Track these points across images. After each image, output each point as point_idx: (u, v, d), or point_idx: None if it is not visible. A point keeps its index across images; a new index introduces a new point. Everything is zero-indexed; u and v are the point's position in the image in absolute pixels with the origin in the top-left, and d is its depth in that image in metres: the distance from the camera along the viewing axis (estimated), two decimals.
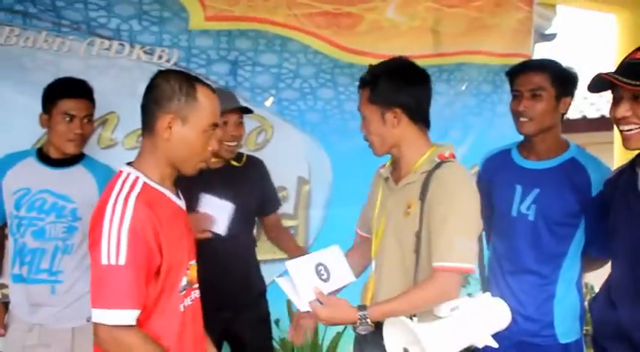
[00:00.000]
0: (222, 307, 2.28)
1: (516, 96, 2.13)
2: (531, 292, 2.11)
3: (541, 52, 4.02)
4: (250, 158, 2.53)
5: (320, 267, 1.80)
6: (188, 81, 1.57)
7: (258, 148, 2.95)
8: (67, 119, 2.22)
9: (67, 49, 2.66)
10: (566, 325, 2.13)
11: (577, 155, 2.13)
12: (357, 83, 3.00)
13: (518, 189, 2.13)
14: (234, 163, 2.44)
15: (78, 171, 2.31)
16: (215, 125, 1.60)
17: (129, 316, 1.45)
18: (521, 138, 2.22)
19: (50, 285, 2.25)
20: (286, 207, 2.62)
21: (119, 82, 2.70)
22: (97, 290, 1.46)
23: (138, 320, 1.49)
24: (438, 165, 1.76)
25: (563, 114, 2.13)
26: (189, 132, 1.54)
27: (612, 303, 1.76)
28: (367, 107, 1.82)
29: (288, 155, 2.89)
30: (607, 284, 1.82)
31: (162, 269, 1.52)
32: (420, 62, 1.88)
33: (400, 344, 1.65)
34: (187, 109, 1.53)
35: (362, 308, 1.70)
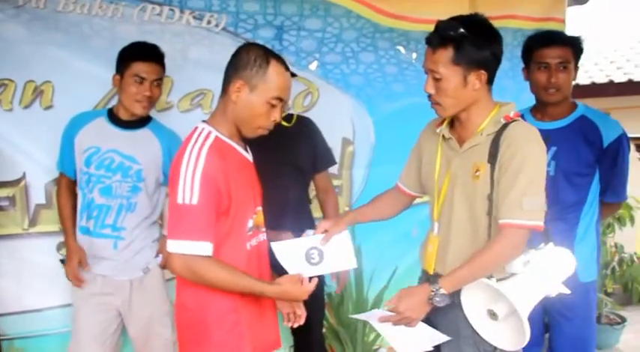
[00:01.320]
0: (276, 264, 2.40)
1: (544, 67, 2.32)
2: (555, 237, 2.22)
3: (574, 15, 4.03)
4: (300, 118, 2.60)
5: (312, 251, 1.87)
6: (265, 55, 1.74)
7: (304, 110, 3.03)
8: (138, 81, 2.32)
9: (120, 15, 2.75)
10: (586, 265, 2.34)
11: (586, 113, 2.40)
12: (398, 46, 3.14)
13: None
14: (285, 124, 2.52)
15: (145, 133, 2.41)
16: (280, 99, 1.74)
17: (200, 247, 1.63)
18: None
19: (113, 241, 2.37)
20: (331, 168, 2.70)
21: (172, 47, 2.76)
22: (173, 224, 1.66)
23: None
24: (504, 126, 1.76)
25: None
26: (254, 99, 1.72)
27: None
28: (448, 68, 1.72)
29: (333, 117, 2.96)
30: None
31: (232, 210, 1.70)
32: None
33: (483, 306, 1.73)
34: (257, 79, 1.71)
35: (433, 282, 1.74)
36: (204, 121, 1.80)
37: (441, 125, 1.93)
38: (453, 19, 1.77)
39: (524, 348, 2.30)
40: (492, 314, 1.73)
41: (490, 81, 1.79)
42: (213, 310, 1.73)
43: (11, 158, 2.65)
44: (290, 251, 1.86)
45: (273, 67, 1.73)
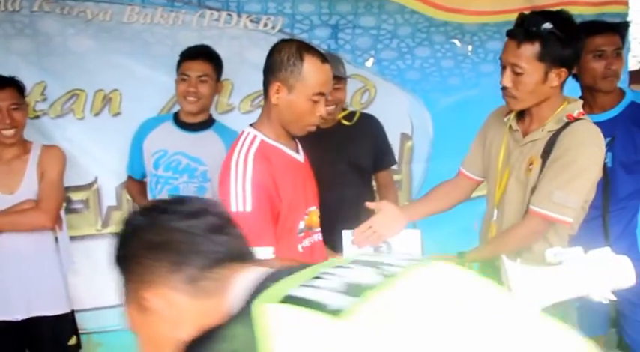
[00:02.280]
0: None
1: (599, 56, 2.29)
2: (615, 227, 2.26)
3: None
4: (363, 116, 2.62)
5: (382, 246, 1.88)
6: (298, 51, 1.71)
7: (363, 107, 3.05)
8: (184, 78, 2.42)
9: (180, 22, 2.85)
10: None
11: (635, 98, 2.37)
12: (453, 39, 3.12)
13: None
14: (346, 122, 2.54)
15: (209, 135, 2.50)
16: (321, 94, 1.71)
17: (263, 252, 1.61)
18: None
19: None
20: None
21: (230, 51, 2.85)
22: None
23: None
24: (566, 124, 1.78)
25: None
26: (294, 99, 1.70)
27: None
28: (532, 64, 1.74)
29: (392, 113, 2.95)
30: None
31: (282, 212, 1.71)
32: (513, 16, 1.87)
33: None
34: (293, 78, 1.69)
35: (461, 254, 1.86)
36: (250, 125, 1.81)
37: (509, 114, 1.95)
38: (538, 13, 1.78)
39: (588, 329, 2.28)
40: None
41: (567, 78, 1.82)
42: None
43: (84, 163, 2.81)
44: None
45: (308, 63, 1.70)
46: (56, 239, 2.48)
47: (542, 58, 1.73)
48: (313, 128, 1.78)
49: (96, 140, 2.80)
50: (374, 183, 2.72)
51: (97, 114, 2.79)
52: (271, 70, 1.73)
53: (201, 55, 2.46)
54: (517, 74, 1.76)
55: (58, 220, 2.47)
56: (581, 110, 1.83)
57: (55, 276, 2.45)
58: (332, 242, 2.04)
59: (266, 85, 1.76)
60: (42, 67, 2.72)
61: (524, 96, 1.79)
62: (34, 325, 2.41)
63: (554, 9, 2.80)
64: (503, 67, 1.81)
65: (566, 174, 1.73)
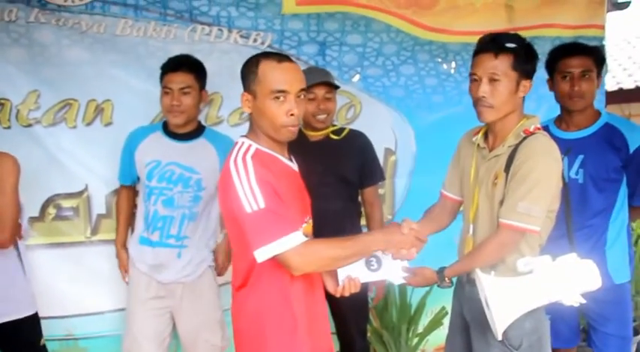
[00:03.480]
0: None
1: (567, 77, 2.43)
2: (584, 244, 2.34)
3: (613, 21, 4.04)
4: (352, 132, 2.70)
5: (372, 259, 1.89)
6: (256, 59, 1.75)
7: (348, 123, 3.15)
8: (167, 92, 2.43)
9: (172, 36, 2.93)
10: (619, 268, 2.47)
11: (610, 120, 2.49)
12: (437, 58, 3.24)
13: (565, 158, 2.35)
14: (334, 137, 2.63)
15: (200, 143, 2.52)
16: (281, 91, 1.69)
17: (292, 239, 1.64)
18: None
19: (177, 250, 2.49)
20: None
21: (221, 65, 2.93)
22: (255, 234, 1.65)
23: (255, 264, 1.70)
24: (523, 139, 1.91)
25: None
26: (259, 104, 1.72)
27: None
28: (508, 73, 1.89)
29: (376, 128, 3.05)
30: None
31: None
32: None
33: (483, 295, 1.84)
34: (254, 84, 1.72)
35: (440, 270, 1.99)
36: (243, 136, 1.83)
37: (477, 135, 2.10)
38: (504, 34, 1.96)
39: (560, 341, 2.43)
40: (487, 304, 1.83)
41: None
42: (272, 317, 1.76)
43: (75, 171, 2.86)
44: None
45: (263, 66, 1.72)
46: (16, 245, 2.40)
47: (515, 68, 1.89)
48: (292, 130, 1.76)
49: (87, 149, 2.85)
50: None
51: (88, 124, 2.85)
52: (242, 84, 1.79)
53: (182, 65, 2.45)
54: (494, 83, 1.90)
55: (17, 232, 2.38)
56: (538, 125, 1.96)
57: (19, 282, 2.38)
58: None
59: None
60: (36, 76, 2.77)
61: (499, 105, 1.91)
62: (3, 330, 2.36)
63: (533, 30, 2.94)
64: (476, 80, 1.95)
65: (526, 185, 1.85)
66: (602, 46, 3.61)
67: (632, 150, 2.43)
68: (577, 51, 2.47)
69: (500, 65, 1.89)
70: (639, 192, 2.48)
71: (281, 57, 1.77)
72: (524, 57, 1.91)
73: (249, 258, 1.74)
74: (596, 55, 2.48)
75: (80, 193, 2.87)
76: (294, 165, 1.90)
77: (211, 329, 2.57)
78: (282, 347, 1.76)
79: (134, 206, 2.70)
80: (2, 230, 2.24)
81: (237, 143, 1.79)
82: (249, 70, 1.75)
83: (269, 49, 3.00)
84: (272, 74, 1.71)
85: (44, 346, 2.54)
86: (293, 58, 1.83)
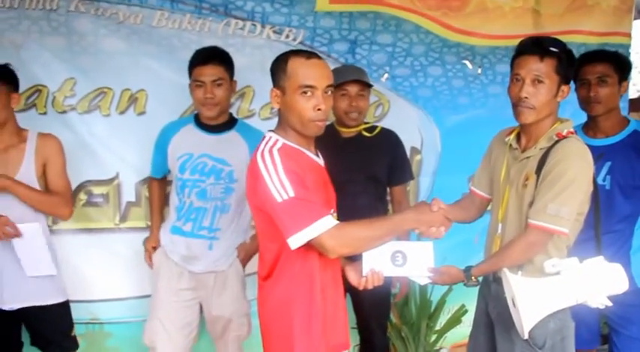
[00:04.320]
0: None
1: (585, 83, 2.48)
2: (609, 248, 2.35)
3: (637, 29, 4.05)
4: (384, 130, 2.74)
5: (397, 254, 1.92)
6: (285, 55, 1.81)
7: (376, 121, 3.18)
8: (199, 85, 2.43)
9: (207, 29, 2.97)
10: None
11: (638, 127, 2.51)
12: (465, 60, 3.27)
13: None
14: (366, 134, 2.67)
15: (232, 136, 2.53)
16: (309, 86, 1.74)
17: (324, 223, 1.68)
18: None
19: (209, 241, 2.50)
20: None
21: (253, 59, 2.99)
22: (288, 221, 1.69)
23: (284, 251, 1.75)
24: (555, 142, 1.95)
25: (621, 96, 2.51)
26: (288, 99, 1.77)
27: None
28: (551, 76, 1.94)
29: (403, 127, 3.06)
30: None
31: None
32: None
33: (510, 295, 1.87)
34: (282, 80, 1.78)
35: (467, 269, 2.01)
36: (271, 131, 1.88)
37: (509, 135, 2.13)
38: (549, 37, 2.01)
39: (579, 343, 2.46)
40: (513, 304, 1.86)
41: None
42: (298, 308, 1.80)
43: (107, 159, 2.92)
44: (377, 250, 1.92)
45: (292, 62, 1.77)
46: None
47: (558, 72, 1.94)
48: (320, 125, 1.80)
49: (120, 137, 2.90)
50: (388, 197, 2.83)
51: (122, 113, 2.90)
52: (272, 80, 1.84)
53: (212, 58, 2.45)
54: (537, 85, 1.94)
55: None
56: (571, 129, 2.00)
57: (49, 268, 2.48)
58: None
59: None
60: (73, 64, 2.83)
61: (541, 107, 1.95)
62: (31, 314, 2.47)
63: (560, 36, 2.97)
64: (519, 80, 1.98)
65: (557, 187, 1.88)
66: (628, 54, 3.64)
67: None
68: (594, 58, 2.52)
69: (545, 68, 1.93)
70: None
71: (310, 54, 1.82)
72: (566, 62, 1.96)
73: (276, 249, 1.80)
74: (615, 61, 2.50)
75: (111, 180, 2.93)
76: (321, 160, 1.94)
77: (240, 320, 2.60)
78: (308, 338, 1.80)
79: (166, 195, 2.75)
80: (67, 204, 2.51)
81: (264, 137, 1.84)
82: (279, 66, 1.80)
83: (301, 46, 3.04)
84: (300, 70, 1.76)
85: (75, 338, 2.62)
86: (323, 56, 1.87)
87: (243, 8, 3.01)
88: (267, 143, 1.80)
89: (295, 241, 1.69)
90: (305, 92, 1.75)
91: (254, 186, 1.76)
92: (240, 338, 2.66)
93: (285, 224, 1.69)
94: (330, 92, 1.81)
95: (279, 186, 1.68)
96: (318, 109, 1.76)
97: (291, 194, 1.67)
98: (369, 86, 2.66)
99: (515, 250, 1.96)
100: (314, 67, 1.78)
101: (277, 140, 1.80)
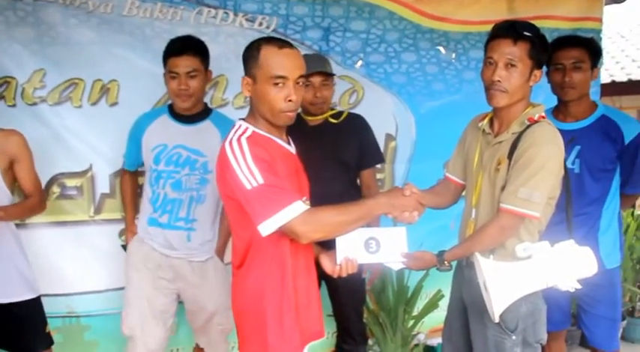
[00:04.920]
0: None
1: (559, 68, 2.50)
2: (579, 230, 2.39)
3: (609, 15, 4.10)
4: (350, 115, 2.75)
5: (371, 241, 1.93)
6: (257, 43, 1.79)
7: (350, 107, 3.20)
8: (173, 76, 2.41)
9: (179, 18, 2.95)
10: (610, 253, 2.57)
11: (606, 112, 2.57)
12: (439, 46, 3.28)
13: None
14: (333, 120, 2.68)
15: (206, 126, 2.52)
16: (279, 77, 1.73)
17: (294, 209, 1.67)
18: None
19: (187, 232, 2.49)
20: None
21: (226, 48, 2.97)
22: (258, 208, 1.68)
23: (255, 239, 1.74)
24: (527, 127, 1.96)
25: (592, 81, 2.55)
26: (259, 88, 1.76)
27: None
28: (524, 60, 1.94)
29: (377, 114, 3.10)
30: None
31: None
32: None
33: (482, 279, 1.90)
34: (254, 69, 1.77)
35: (440, 254, 2.02)
36: (241, 119, 1.87)
37: (482, 120, 2.14)
38: (523, 22, 2.00)
39: (552, 324, 2.53)
40: (485, 288, 1.88)
41: None
42: (270, 297, 1.79)
43: (79, 151, 2.88)
44: (350, 238, 1.93)
45: (264, 51, 1.75)
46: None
47: (531, 56, 1.95)
48: (290, 115, 1.80)
49: (92, 128, 2.86)
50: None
51: (94, 104, 2.86)
52: (244, 67, 1.82)
53: (187, 49, 2.42)
54: (510, 68, 1.95)
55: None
56: (543, 114, 2.02)
57: (19, 264, 2.44)
58: None
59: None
60: (42, 55, 2.77)
61: (513, 90, 1.96)
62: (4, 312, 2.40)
63: (533, 21, 3.00)
64: (492, 64, 1.98)
65: (528, 172, 1.90)
66: (600, 39, 3.68)
67: (627, 141, 2.51)
68: (569, 43, 2.54)
69: (518, 51, 1.94)
70: (631, 181, 2.58)
71: (282, 43, 1.80)
72: (539, 46, 1.97)
73: (247, 237, 1.80)
74: (588, 47, 2.53)
75: (84, 172, 2.90)
76: (292, 148, 1.93)
77: (225, 313, 2.56)
78: (281, 326, 1.80)
79: (138, 187, 2.73)
80: (42, 201, 2.50)
81: (234, 126, 1.83)
82: (251, 54, 1.78)
83: (274, 34, 3.02)
84: (273, 59, 1.74)
85: (49, 334, 2.57)
86: (297, 43, 1.85)
87: None
88: (236, 131, 1.79)
89: (266, 228, 1.69)
90: (276, 83, 1.74)
91: (223, 175, 1.75)
92: (225, 331, 2.66)
93: (255, 211, 1.69)
94: (301, 82, 1.80)
95: (248, 174, 1.68)
96: (289, 100, 1.76)
97: (261, 181, 1.67)
98: (331, 75, 2.66)
99: (487, 234, 1.98)
100: (286, 57, 1.76)
101: (247, 128, 1.79)
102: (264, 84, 1.75)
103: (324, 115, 2.69)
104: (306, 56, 2.65)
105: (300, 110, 2.66)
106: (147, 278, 2.55)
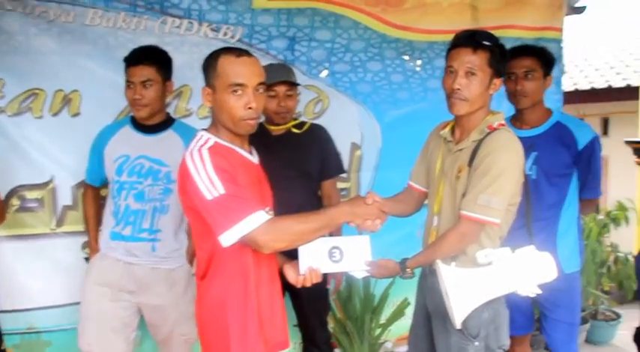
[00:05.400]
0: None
1: (511, 77, 2.56)
2: (539, 235, 2.42)
3: (570, 24, 4.19)
4: (313, 126, 2.75)
5: (334, 250, 1.93)
6: (215, 53, 1.80)
7: (315, 117, 3.20)
8: (130, 85, 2.41)
9: (142, 27, 2.93)
10: (569, 257, 2.60)
11: (560, 119, 2.63)
12: (404, 55, 3.31)
13: None
14: (295, 130, 2.68)
15: (169, 135, 2.49)
16: (238, 85, 1.73)
17: (256, 219, 1.66)
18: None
19: (151, 244, 2.45)
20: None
21: (191, 58, 2.93)
22: (218, 219, 1.67)
23: (217, 249, 1.73)
24: (487, 135, 1.99)
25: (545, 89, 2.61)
26: (219, 97, 1.76)
27: None
28: (484, 68, 1.97)
29: (343, 123, 3.12)
30: None
31: None
32: None
33: (443, 286, 1.92)
34: (213, 79, 1.78)
35: (402, 262, 2.04)
36: (203, 129, 1.85)
37: (444, 129, 2.17)
38: (483, 31, 2.04)
39: (515, 328, 2.57)
40: (447, 294, 1.90)
41: None
42: (232, 308, 1.78)
43: (40, 162, 2.83)
44: (314, 248, 1.93)
45: (222, 60, 1.76)
46: None
47: (491, 64, 1.98)
48: (251, 123, 1.79)
49: (54, 139, 2.82)
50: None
51: (55, 114, 2.82)
52: (204, 78, 1.83)
53: (144, 58, 2.41)
54: (470, 76, 1.98)
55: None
56: (502, 122, 2.05)
57: None
58: None
59: None
60: (1, 64, 2.73)
61: (473, 99, 1.99)
62: None
63: (496, 31, 3.05)
64: (452, 72, 2.02)
65: (487, 178, 1.92)
66: (560, 48, 3.76)
67: (580, 147, 2.56)
68: (521, 52, 2.59)
69: (478, 60, 1.97)
70: (588, 186, 2.63)
71: (240, 51, 1.80)
72: (498, 55, 2.00)
73: (209, 248, 1.79)
74: (540, 56, 2.58)
75: (46, 184, 2.84)
76: (255, 158, 1.93)
77: (187, 323, 2.52)
78: (244, 338, 1.79)
79: (101, 205, 2.66)
80: (1, 214, 2.41)
81: (196, 136, 1.83)
82: (210, 64, 1.79)
83: (239, 44, 3.02)
84: (230, 68, 1.75)
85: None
86: (262, 53, 1.84)
87: (179, 6, 2.98)
88: (197, 142, 1.78)
89: (227, 238, 1.67)
90: (235, 90, 1.75)
91: (184, 186, 1.75)
92: (189, 341, 2.60)
93: (216, 221, 1.68)
94: (261, 90, 1.80)
95: (209, 184, 1.67)
96: (249, 108, 1.76)
97: (222, 191, 1.66)
98: (296, 85, 2.66)
99: (448, 241, 1.99)
100: (244, 64, 1.77)
101: (209, 139, 1.79)
102: (223, 93, 1.75)
103: (287, 125, 2.68)
104: (270, 66, 2.68)
105: (263, 119, 2.68)
106: (106, 292, 2.49)
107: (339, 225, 2.02)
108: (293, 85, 2.63)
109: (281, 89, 2.58)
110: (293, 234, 1.75)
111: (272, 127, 2.68)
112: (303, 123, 2.74)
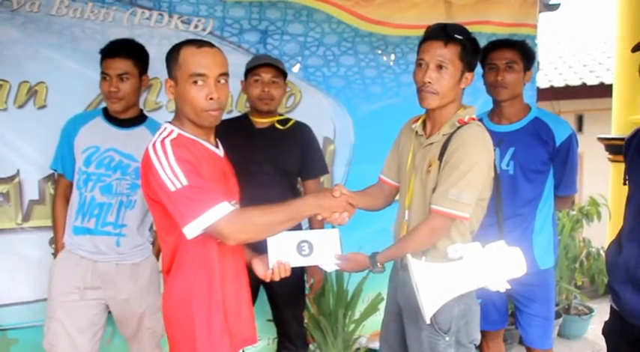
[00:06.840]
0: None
1: (493, 68, 2.56)
2: (514, 231, 2.46)
3: (545, 21, 4.22)
4: (297, 124, 2.71)
5: (303, 244, 1.94)
6: (178, 45, 1.79)
7: (288, 111, 3.17)
8: (105, 78, 2.38)
9: (111, 18, 2.87)
10: (544, 254, 2.61)
11: (539, 115, 2.63)
12: (377, 50, 3.29)
13: (497, 150, 2.47)
14: (279, 126, 2.64)
15: (140, 131, 2.46)
16: (198, 75, 1.72)
17: (219, 210, 1.64)
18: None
19: (115, 238, 2.42)
20: None
21: (160, 50, 2.79)
22: (182, 210, 1.65)
23: (181, 243, 1.72)
24: (458, 129, 1.98)
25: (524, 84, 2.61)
26: (181, 89, 1.75)
27: (621, 247, 1.97)
28: (455, 62, 1.95)
29: (315, 117, 3.06)
30: (619, 231, 2.04)
31: None
32: None
33: (413, 280, 1.89)
34: (175, 70, 1.77)
35: (373, 256, 2.03)
36: (167, 122, 1.84)
37: (416, 122, 2.16)
38: (455, 25, 2.01)
39: (489, 323, 2.55)
40: (417, 289, 1.88)
41: None
42: (197, 303, 1.77)
43: (6, 156, 2.76)
44: (282, 242, 1.92)
45: (183, 51, 1.75)
46: None
47: (462, 58, 1.96)
48: (214, 114, 1.77)
49: (19, 132, 2.75)
50: (301, 189, 2.82)
51: (21, 107, 2.75)
52: (167, 70, 1.81)
53: (121, 51, 2.39)
54: (441, 70, 1.96)
55: None
56: (473, 116, 2.04)
57: None
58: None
59: None
60: None
61: (444, 92, 1.97)
62: None
63: (470, 26, 3.04)
64: (423, 66, 2.00)
65: (457, 173, 1.92)
66: (535, 44, 3.77)
67: (558, 143, 2.56)
68: (502, 45, 2.60)
69: (449, 54, 1.95)
70: (564, 183, 2.63)
71: (202, 43, 1.79)
72: (470, 49, 1.98)
73: (173, 241, 1.77)
74: (521, 49, 2.58)
75: (11, 178, 2.78)
76: (220, 151, 1.91)
77: (154, 316, 2.51)
78: (209, 332, 1.77)
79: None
80: None
81: (160, 128, 1.81)
82: (172, 56, 1.79)
83: (210, 37, 2.98)
84: (191, 59, 1.74)
85: None
86: (234, 46, 1.81)
87: None
88: (160, 134, 1.76)
89: (191, 230, 1.65)
90: (196, 81, 1.73)
91: (147, 178, 1.72)
92: (156, 334, 2.58)
93: (179, 213, 1.66)
94: (223, 80, 1.78)
95: (172, 175, 1.65)
96: (210, 98, 1.74)
97: (185, 182, 1.64)
98: (284, 74, 2.63)
99: (418, 235, 1.98)
100: (205, 55, 1.76)
101: (172, 131, 1.77)
102: (184, 84, 1.74)
103: (271, 119, 2.65)
104: (258, 55, 2.62)
105: (248, 111, 2.64)
106: (72, 292, 2.44)
107: (306, 218, 2.00)
108: (279, 72, 2.59)
109: (266, 75, 2.55)
110: (258, 225, 1.73)
111: (256, 119, 2.64)
112: (287, 120, 2.70)
